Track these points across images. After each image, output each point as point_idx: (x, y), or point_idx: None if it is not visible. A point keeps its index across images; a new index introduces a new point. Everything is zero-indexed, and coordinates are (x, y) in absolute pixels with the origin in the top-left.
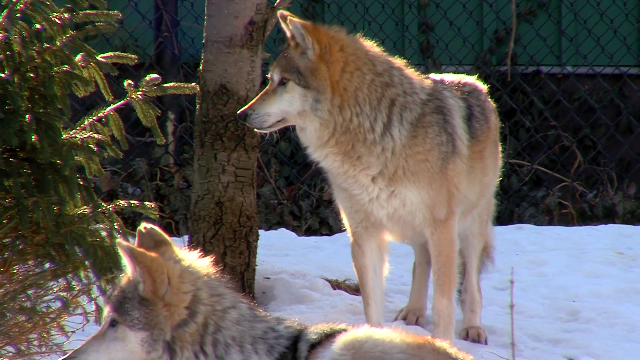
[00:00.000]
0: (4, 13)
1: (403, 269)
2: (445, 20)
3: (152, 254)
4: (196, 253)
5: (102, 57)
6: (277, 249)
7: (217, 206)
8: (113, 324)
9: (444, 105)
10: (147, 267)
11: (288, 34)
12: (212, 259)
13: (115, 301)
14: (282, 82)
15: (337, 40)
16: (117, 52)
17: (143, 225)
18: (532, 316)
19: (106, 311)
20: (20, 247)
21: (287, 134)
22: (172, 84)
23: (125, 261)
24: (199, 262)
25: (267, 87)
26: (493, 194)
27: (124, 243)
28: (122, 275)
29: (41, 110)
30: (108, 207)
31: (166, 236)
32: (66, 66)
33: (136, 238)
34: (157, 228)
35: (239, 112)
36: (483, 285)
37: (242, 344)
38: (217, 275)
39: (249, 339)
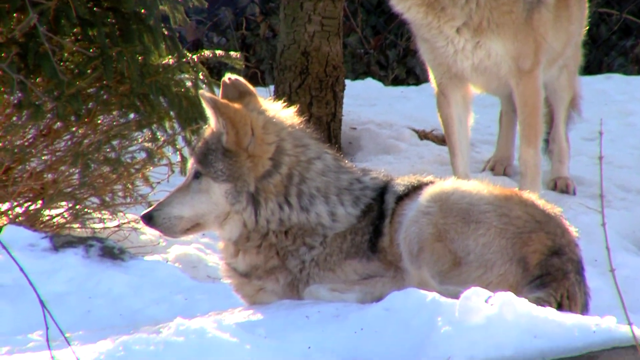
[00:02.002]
0: None
1: (489, 119)
2: None
3: (236, 105)
4: (280, 103)
5: None
6: (364, 99)
7: (303, 56)
8: (197, 176)
9: None
10: (230, 119)
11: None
12: (297, 110)
13: (199, 153)
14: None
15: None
16: None
17: (227, 76)
18: (621, 167)
19: (190, 163)
20: (105, 97)
21: None
22: None
23: (209, 113)
24: (284, 113)
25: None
26: (580, 44)
27: (207, 94)
28: (206, 126)
29: None
30: (193, 57)
31: (250, 87)
32: None
33: (220, 89)
34: (241, 79)
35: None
36: (571, 135)
37: (327, 195)
38: (302, 126)
39: (334, 190)
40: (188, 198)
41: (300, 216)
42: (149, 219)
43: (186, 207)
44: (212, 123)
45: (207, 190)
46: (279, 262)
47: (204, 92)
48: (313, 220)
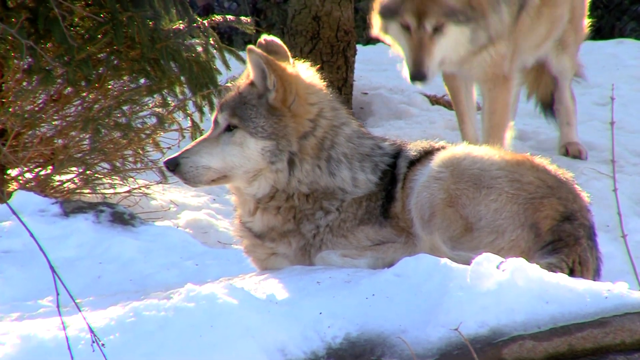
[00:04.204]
0: None
1: None
2: None
3: (282, 64)
4: (311, 68)
5: None
6: (375, 64)
7: (315, 20)
8: (230, 128)
9: None
10: (280, 77)
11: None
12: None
13: (234, 106)
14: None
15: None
16: None
17: (263, 37)
18: (633, 132)
19: (221, 116)
20: (115, 62)
21: None
22: None
23: (253, 68)
24: (315, 77)
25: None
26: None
27: (257, 50)
28: (238, 79)
29: None
30: (204, 21)
31: (285, 48)
32: None
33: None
34: (277, 40)
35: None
36: (582, 100)
37: (351, 161)
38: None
39: (358, 156)
40: (218, 149)
41: (328, 180)
42: (174, 166)
43: (215, 158)
44: (253, 77)
45: (241, 143)
46: (294, 226)
47: (253, 47)
48: (338, 184)
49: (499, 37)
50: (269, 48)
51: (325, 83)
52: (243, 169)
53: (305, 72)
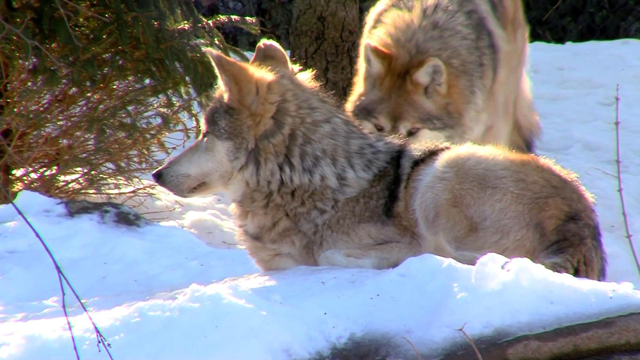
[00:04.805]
0: None
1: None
2: None
3: (242, 64)
4: (296, 67)
5: None
6: None
7: (319, 21)
8: (205, 135)
9: None
10: (233, 75)
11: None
12: (313, 75)
13: (208, 113)
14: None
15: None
16: None
17: (262, 42)
18: (638, 132)
19: (202, 123)
20: (120, 62)
21: None
22: None
23: (216, 71)
24: (299, 77)
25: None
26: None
27: (214, 52)
28: (216, 87)
29: None
30: (208, 22)
31: (280, 51)
32: None
33: (254, 53)
34: (275, 44)
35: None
36: (587, 100)
37: (335, 158)
38: (315, 89)
39: (343, 153)
40: (195, 157)
41: (303, 177)
42: (158, 177)
43: (193, 166)
44: (220, 82)
45: (211, 148)
46: (292, 224)
47: (210, 49)
48: (317, 182)
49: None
50: (266, 52)
51: (317, 82)
52: (217, 173)
53: (280, 72)
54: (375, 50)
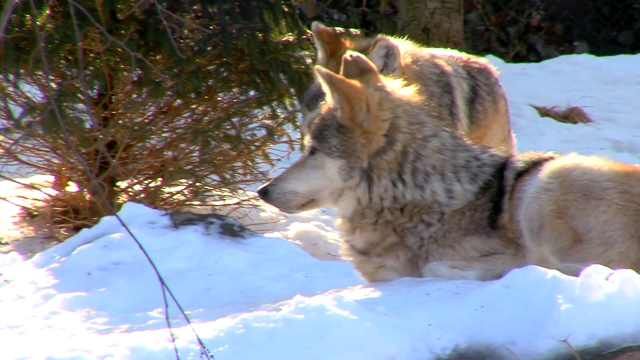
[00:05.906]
0: None
1: (611, 95)
2: None
3: (352, 81)
4: (400, 81)
5: None
6: None
7: (424, 32)
8: (312, 152)
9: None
10: (345, 94)
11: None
12: (418, 88)
13: (315, 129)
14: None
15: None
16: None
17: (349, 53)
18: None
19: (307, 139)
20: (225, 74)
21: None
22: None
23: (325, 88)
24: (402, 91)
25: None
26: None
27: (323, 69)
28: (323, 102)
29: None
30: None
31: (372, 64)
32: None
33: (342, 66)
34: (363, 56)
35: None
36: None
37: (444, 173)
38: (420, 103)
39: (451, 168)
40: (303, 174)
41: (415, 193)
42: (264, 194)
43: (301, 183)
44: (328, 99)
45: (321, 166)
46: (398, 239)
47: (319, 67)
48: (428, 197)
49: None
50: (359, 65)
51: (420, 96)
52: (327, 190)
53: (386, 86)
54: (319, 33)
